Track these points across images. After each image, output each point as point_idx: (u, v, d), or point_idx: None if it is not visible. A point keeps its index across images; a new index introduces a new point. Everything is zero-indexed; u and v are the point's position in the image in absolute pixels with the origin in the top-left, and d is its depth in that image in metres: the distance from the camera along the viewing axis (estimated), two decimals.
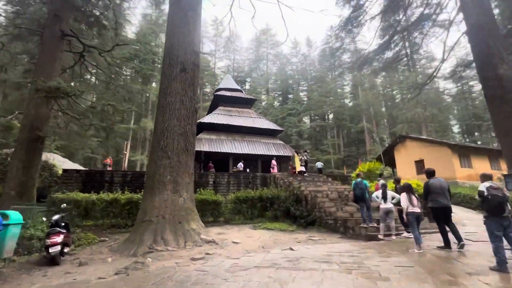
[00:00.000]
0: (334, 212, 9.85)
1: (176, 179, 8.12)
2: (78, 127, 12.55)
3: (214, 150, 24.17)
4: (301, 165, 15.98)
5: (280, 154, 26.07)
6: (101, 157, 38.85)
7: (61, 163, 17.62)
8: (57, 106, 11.97)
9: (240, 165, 21.11)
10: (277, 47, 66.16)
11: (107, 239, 8.41)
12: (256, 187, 14.73)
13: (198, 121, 27.31)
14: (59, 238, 6.00)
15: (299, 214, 10.75)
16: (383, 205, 7.84)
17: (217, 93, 31.07)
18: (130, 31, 53.08)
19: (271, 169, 19.78)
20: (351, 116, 54.05)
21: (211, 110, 31.96)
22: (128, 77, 48.33)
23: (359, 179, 9.08)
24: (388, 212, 7.79)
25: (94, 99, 28.32)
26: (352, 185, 9.19)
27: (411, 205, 6.38)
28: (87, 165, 38.09)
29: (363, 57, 20.04)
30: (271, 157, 23.99)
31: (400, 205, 6.82)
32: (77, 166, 18.61)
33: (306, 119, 62.55)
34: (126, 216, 10.29)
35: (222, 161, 25.14)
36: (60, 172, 13.50)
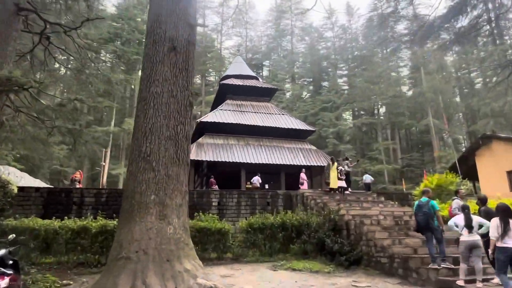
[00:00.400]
0: (388, 246, 9.47)
1: (163, 200, 7.97)
2: (38, 131, 12.81)
3: (220, 160, 24.30)
4: (339, 179, 15.55)
5: (312, 164, 25.80)
6: (73, 170, 39.97)
7: (19, 178, 18.14)
8: (10, 103, 12.28)
9: (257, 180, 21.03)
10: (305, 17, 65.98)
11: (71, 282, 8.37)
12: (277, 210, 14.50)
13: (198, 120, 27.60)
14: (3, 282, 5.94)
15: (338, 249, 10.56)
16: (465, 237, 7.29)
17: (224, 81, 31.31)
18: (110, 3, 54.90)
19: (299, 185, 19.62)
20: (411, 110, 52.82)
21: (216, 105, 32.24)
22: (109, 64, 49.84)
23: (424, 199, 8.64)
24: (472, 247, 7.22)
25: (65, 94, 29.23)
26: (414, 207, 8.70)
27: (506, 237, 5.84)
28: (54, 181, 39.39)
29: (427, 26, 19.41)
30: (298, 168, 23.69)
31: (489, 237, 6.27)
32: (39, 183, 19.13)
33: (347, 115, 61.72)
34: (98, 251, 10.27)
35: (231, 174, 25.21)
36: (16, 190, 13.79)
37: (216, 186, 20.66)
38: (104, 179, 39.66)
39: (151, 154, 8.20)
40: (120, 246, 7.50)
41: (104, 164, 38.67)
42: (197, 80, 64.18)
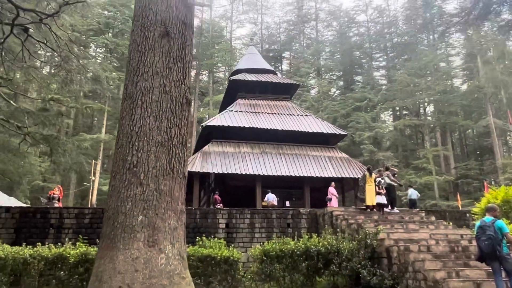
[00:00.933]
0: (443, 279, 9.01)
1: (153, 222, 7.68)
2: (8, 138, 12.83)
3: (230, 172, 24.20)
4: (378, 193, 15.10)
5: (343, 176, 25.38)
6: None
7: None
8: None
9: (273, 198, 20.80)
10: None
11: None
12: (300, 233, 14.13)
13: (204, 124, 27.50)
14: None
15: (378, 283, 10.29)
16: None
17: (235, 77, 31.31)
18: None
19: (327, 201, 19.29)
20: (466, 108, 51.93)
21: (225, 105, 32.27)
22: (99, 59, 50.66)
23: (488, 218, 8.15)
24: None
25: (43, 95, 29.62)
26: (474, 229, 8.13)
27: None
28: (36, 199, 39.90)
29: (483, 2, 18.90)
30: (327, 181, 23.23)
31: None
32: (14, 202, 19.22)
33: (386, 116, 60.75)
34: (78, 285, 10.07)
35: (244, 189, 25.05)
36: None
37: (221, 204, 20.53)
38: (94, 197, 40.00)
39: (138, 165, 7.92)
40: (99, 281, 7.21)
41: (93, 179, 39.00)
42: (204, 77, 64.71)
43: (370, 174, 15.76)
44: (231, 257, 10.90)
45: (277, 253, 11.17)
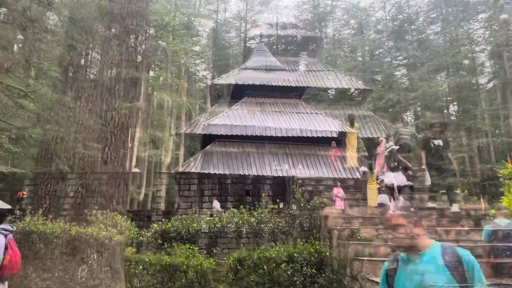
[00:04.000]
0: None
1: None
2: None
3: (232, 172, 23.14)
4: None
5: (355, 177, 23.57)
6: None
7: None
8: None
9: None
10: None
11: None
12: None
13: (206, 123, 26.35)
14: None
15: None
16: None
17: (241, 75, 30.06)
18: None
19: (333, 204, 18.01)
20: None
21: (233, 105, 31.02)
22: None
23: (503, 222, 6.28)
24: None
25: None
26: (483, 235, 6.33)
27: None
28: None
29: None
30: (338, 181, 21.65)
31: None
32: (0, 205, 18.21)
33: (407, 116, 58.41)
34: None
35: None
36: None
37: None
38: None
39: None
40: None
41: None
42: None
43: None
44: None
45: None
